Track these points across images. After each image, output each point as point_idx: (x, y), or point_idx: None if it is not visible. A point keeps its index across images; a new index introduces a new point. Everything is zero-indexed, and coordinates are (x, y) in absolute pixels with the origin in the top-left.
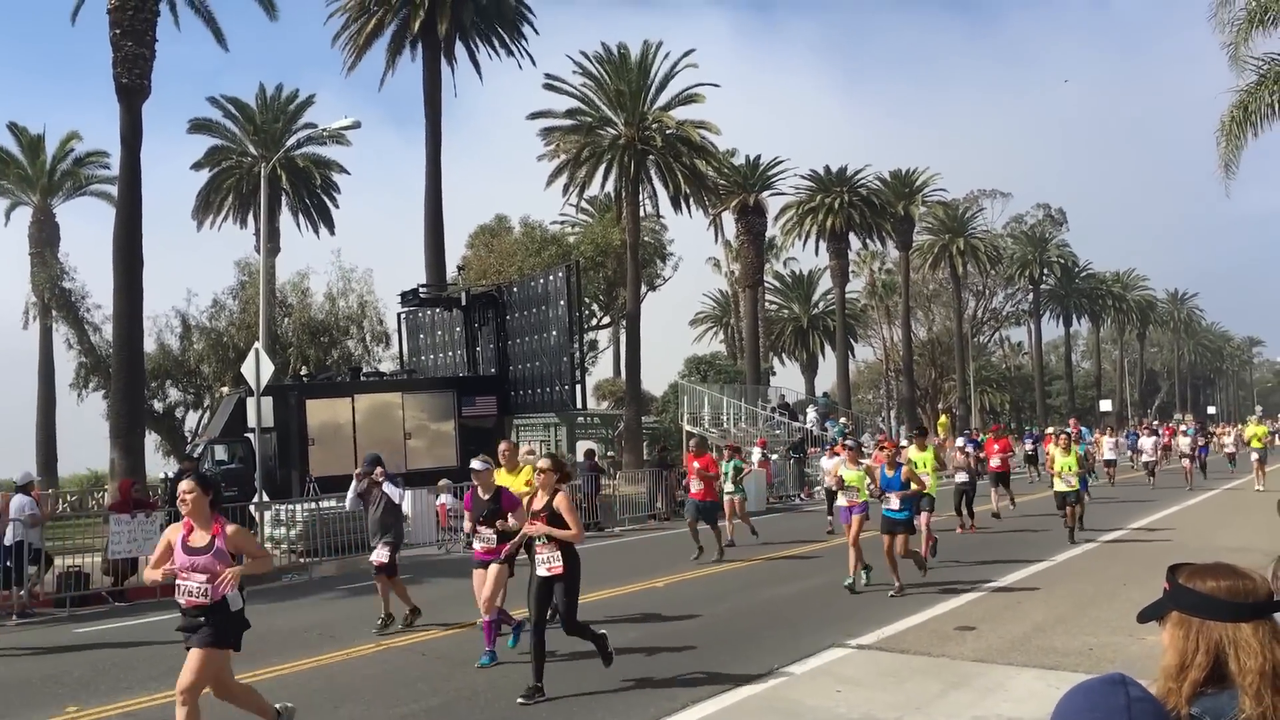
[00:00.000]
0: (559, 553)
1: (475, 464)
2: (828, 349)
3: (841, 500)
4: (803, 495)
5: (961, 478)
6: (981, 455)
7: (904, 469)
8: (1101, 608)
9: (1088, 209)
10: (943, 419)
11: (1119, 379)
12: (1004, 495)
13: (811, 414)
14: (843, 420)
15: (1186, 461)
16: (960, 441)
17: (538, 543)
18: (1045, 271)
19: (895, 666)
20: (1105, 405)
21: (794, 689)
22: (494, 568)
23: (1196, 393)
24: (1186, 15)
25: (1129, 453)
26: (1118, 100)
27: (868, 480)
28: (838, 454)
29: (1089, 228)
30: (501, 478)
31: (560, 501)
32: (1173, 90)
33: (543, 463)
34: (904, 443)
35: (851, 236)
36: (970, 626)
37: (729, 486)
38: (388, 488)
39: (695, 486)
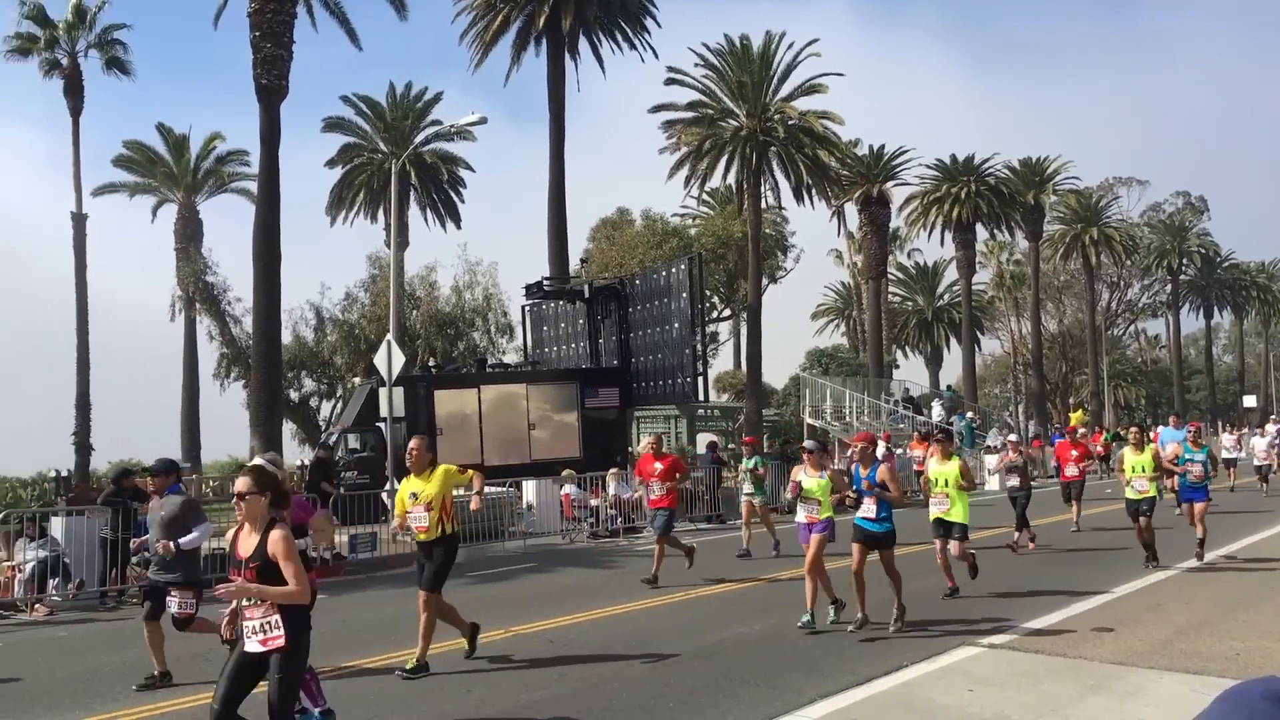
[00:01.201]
0: (276, 617)
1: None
2: (953, 342)
3: (800, 515)
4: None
5: (1012, 482)
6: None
7: (881, 468)
8: (1249, 611)
9: (1231, 196)
10: (1077, 413)
11: (1264, 374)
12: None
13: (937, 408)
14: (969, 414)
15: None
16: (1012, 437)
17: (244, 604)
18: (1184, 262)
19: (1030, 667)
20: (1249, 401)
21: (925, 686)
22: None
23: None
24: None
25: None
26: (1264, 80)
27: (833, 491)
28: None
29: (1232, 216)
30: (409, 483)
31: (276, 544)
32: None
33: (240, 483)
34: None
35: (978, 227)
36: (1108, 628)
37: (747, 488)
38: (165, 504)
39: (656, 491)
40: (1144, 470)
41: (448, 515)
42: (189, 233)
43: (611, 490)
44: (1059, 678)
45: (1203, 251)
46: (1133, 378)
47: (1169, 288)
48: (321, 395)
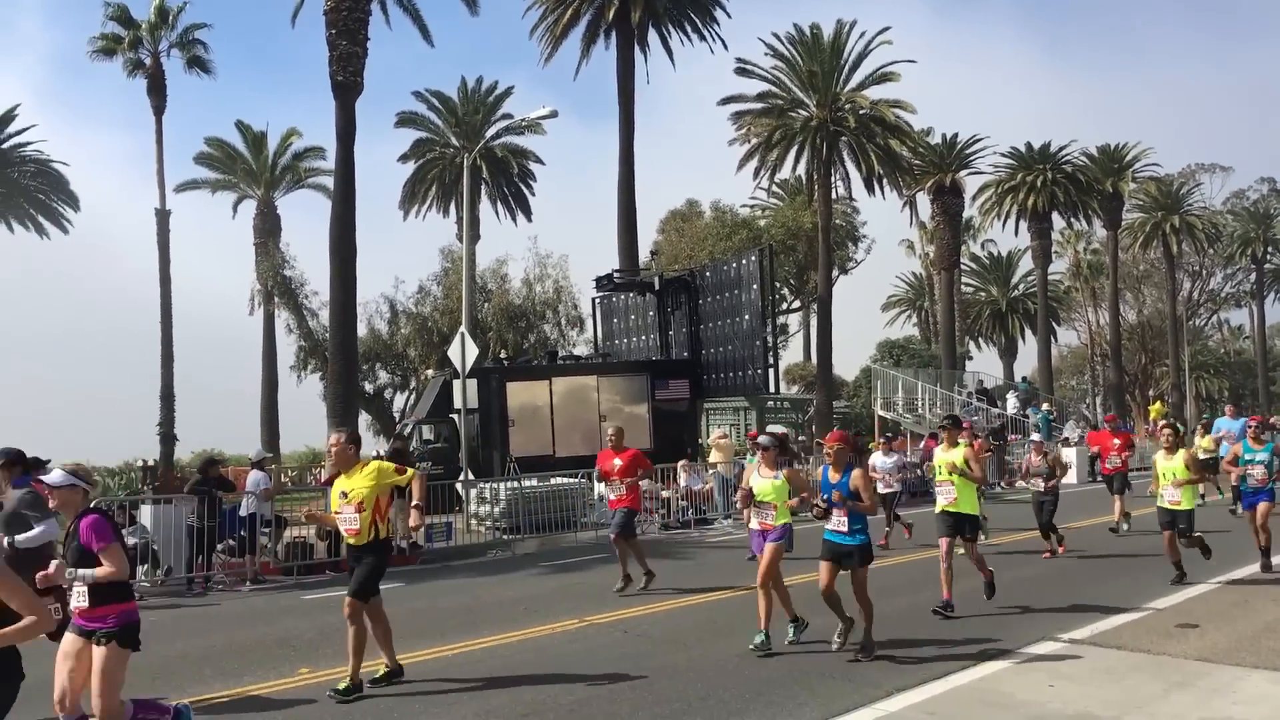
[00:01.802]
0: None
1: None
2: (1027, 333)
3: (753, 521)
4: (1003, 484)
5: (1037, 486)
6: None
7: (855, 474)
8: None
9: None
10: (1156, 405)
11: None
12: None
13: (1012, 400)
14: (1045, 406)
15: None
16: (1035, 438)
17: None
18: (1270, 250)
19: (1111, 663)
20: None
21: (1004, 681)
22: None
23: None
24: None
25: None
26: None
27: (791, 493)
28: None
29: None
30: (340, 482)
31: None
32: None
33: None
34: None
35: (1055, 216)
36: (1193, 624)
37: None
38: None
39: (616, 491)
40: (1176, 476)
41: (381, 517)
42: (267, 228)
43: (682, 481)
44: (1142, 674)
45: None
46: (1215, 369)
47: (1253, 277)
48: (395, 387)
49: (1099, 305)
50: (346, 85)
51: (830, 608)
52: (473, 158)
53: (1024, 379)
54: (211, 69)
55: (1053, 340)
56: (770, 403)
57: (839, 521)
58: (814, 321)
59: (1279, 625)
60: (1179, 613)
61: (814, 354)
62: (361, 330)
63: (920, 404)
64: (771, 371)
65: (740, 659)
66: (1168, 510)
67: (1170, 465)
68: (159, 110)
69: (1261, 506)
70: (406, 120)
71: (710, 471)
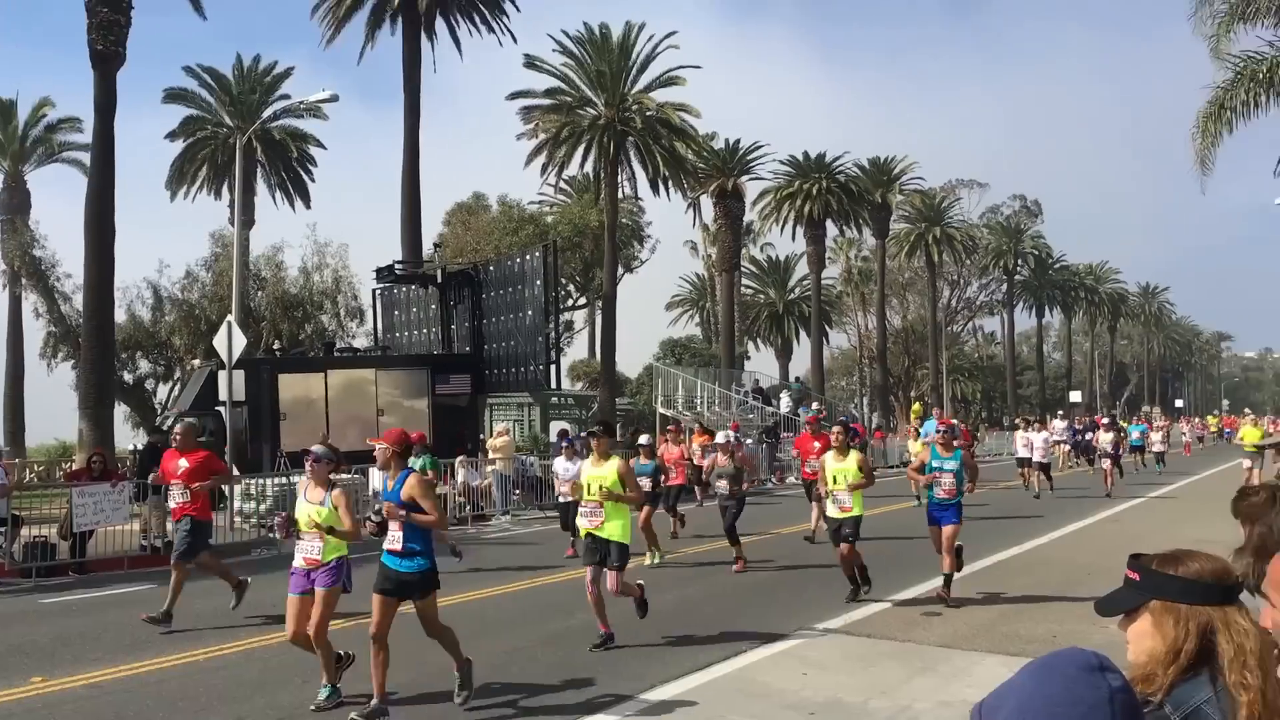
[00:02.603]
0: None
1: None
2: (803, 335)
3: (298, 558)
4: (774, 480)
5: (721, 489)
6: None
7: (409, 481)
8: (1068, 595)
9: (1063, 201)
10: (916, 406)
11: (1089, 371)
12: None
13: (785, 399)
14: (815, 405)
15: (1107, 463)
16: (721, 438)
17: None
18: (1019, 262)
19: (862, 651)
20: (1075, 396)
21: (762, 671)
22: None
23: (1165, 386)
24: (1169, 8)
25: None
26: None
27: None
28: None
29: (1063, 220)
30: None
31: None
32: (1153, 84)
33: None
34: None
35: (829, 223)
36: (937, 612)
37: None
38: None
39: (175, 499)
40: (848, 479)
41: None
42: (16, 204)
43: (460, 478)
44: (889, 661)
45: (1036, 253)
46: (970, 373)
47: (1005, 287)
48: (158, 377)
49: (868, 310)
50: (107, 55)
51: (373, 660)
52: (247, 138)
53: (797, 379)
54: None
55: (825, 342)
56: (554, 399)
57: (393, 539)
58: (599, 319)
59: (1011, 612)
60: (925, 601)
61: (598, 351)
62: (121, 316)
63: (699, 402)
64: (554, 368)
65: (508, 656)
66: (837, 519)
67: (841, 467)
68: None
69: (948, 530)
70: (176, 96)
71: (490, 468)
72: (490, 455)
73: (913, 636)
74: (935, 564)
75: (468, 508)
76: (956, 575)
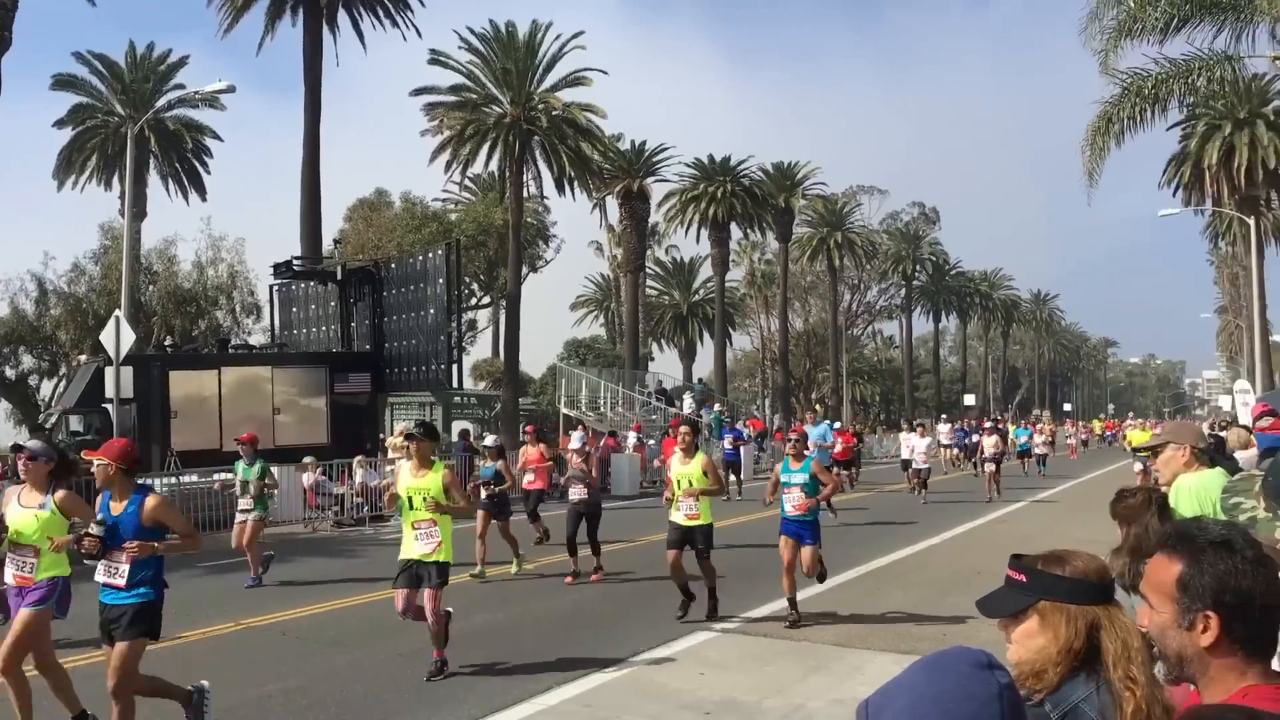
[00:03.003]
0: None
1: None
2: (706, 336)
3: (8, 574)
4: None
5: (576, 495)
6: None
7: (148, 503)
8: (957, 594)
9: (960, 209)
10: (816, 409)
11: (983, 375)
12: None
13: (688, 400)
14: (718, 407)
15: (990, 467)
16: (574, 443)
17: None
18: (918, 268)
19: (759, 650)
20: (969, 400)
21: (659, 672)
22: None
23: (1055, 390)
24: (1062, 22)
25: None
26: (995, 105)
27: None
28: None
29: (961, 227)
30: None
31: None
32: (1047, 95)
33: None
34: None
35: (733, 226)
36: (832, 612)
37: (244, 503)
38: None
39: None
40: (693, 484)
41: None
42: None
43: (358, 478)
44: (785, 660)
45: (934, 259)
46: (869, 376)
47: (903, 292)
48: (42, 373)
49: (771, 312)
50: None
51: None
52: (140, 128)
53: (700, 380)
54: None
55: (728, 344)
56: (456, 398)
57: (115, 571)
58: (503, 318)
59: (903, 612)
60: (821, 601)
61: (502, 351)
62: (3, 309)
63: (603, 403)
64: (457, 367)
65: (405, 658)
66: (682, 527)
67: (686, 471)
68: None
69: (806, 553)
70: (64, 83)
71: (389, 467)
72: (390, 455)
73: (808, 636)
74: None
75: (365, 508)
76: (822, 587)
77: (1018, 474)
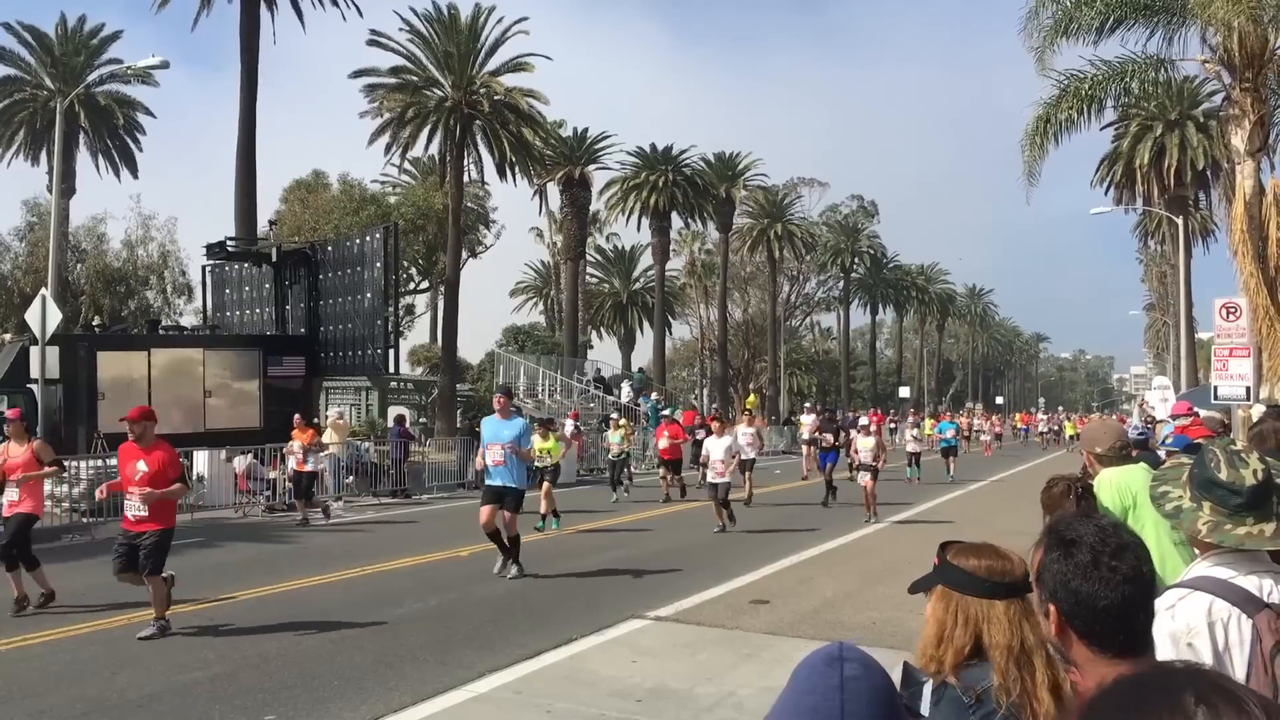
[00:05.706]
0: None
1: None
2: (646, 325)
3: None
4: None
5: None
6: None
7: None
8: (887, 584)
9: (898, 203)
10: (751, 398)
11: (918, 367)
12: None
13: (626, 388)
14: (655, 395)
15: (866, 477)
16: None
17: None
18: (856, 260)
19: (691, 638)
20: (904, 392)
21: (591, 659)
22: None
23: (987, 383)
24: (1003, 20)
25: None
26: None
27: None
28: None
29: (898, 221)
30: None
31: None
32: (987, 92)
33: None
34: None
35: (674, 216)
36: (764, 600)
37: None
38: None
39: None
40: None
41: None
42: None
43: (291, 463)
44: (716, 648)
45: (872, 252)
46: (806, 367)
47: (841, 284)
48: None
49: (710, 302)
50: None
51: None
52: (69, 102)
53: (639, 369)
54: None
55: (668, 333)
56: (393, 383)
57: None
58: (441, 303)
59: (835, 600)
60: (754, 590)
61: (440, 336)
62: None
63: (541, 390)
64: (393, 352)
65: (334, 645)
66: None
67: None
68: None
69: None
70: None
71: (324, 452)
72: (325, 438)
73: (740, 624)
74: (757, 558)
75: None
76: (755, 575)
77: (940, 475)
